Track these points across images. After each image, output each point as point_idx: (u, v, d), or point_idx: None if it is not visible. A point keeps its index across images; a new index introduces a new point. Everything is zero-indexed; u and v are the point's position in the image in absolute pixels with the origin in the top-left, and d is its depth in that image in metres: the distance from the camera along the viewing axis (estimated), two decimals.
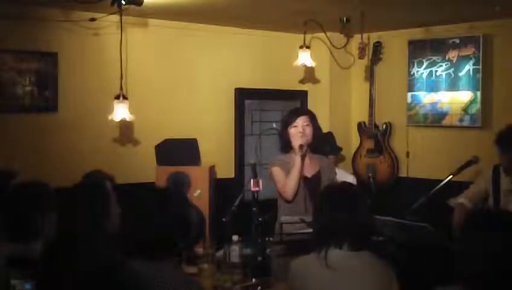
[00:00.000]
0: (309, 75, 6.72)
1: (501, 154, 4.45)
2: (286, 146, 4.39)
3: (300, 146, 4.25)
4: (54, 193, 3.05)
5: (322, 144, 4.78)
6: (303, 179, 4.31)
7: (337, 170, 5.39)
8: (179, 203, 2.80)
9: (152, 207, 2.71)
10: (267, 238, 3.93)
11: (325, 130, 6.01)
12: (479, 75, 5.84)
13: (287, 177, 4.27)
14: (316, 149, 4.43)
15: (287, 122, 4.40)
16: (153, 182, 5.46)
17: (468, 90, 5.92)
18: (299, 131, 4.31)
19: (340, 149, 5.86)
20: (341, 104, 6.83)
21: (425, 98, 6.23)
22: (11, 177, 3.78)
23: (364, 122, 6.52)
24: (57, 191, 3.12)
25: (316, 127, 4.39)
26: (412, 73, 6.32)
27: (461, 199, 4.64)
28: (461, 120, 6.01)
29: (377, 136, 6.45)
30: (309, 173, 4.37)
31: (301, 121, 4.33)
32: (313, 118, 4.41)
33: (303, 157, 4.27)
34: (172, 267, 2.73)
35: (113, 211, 3.35)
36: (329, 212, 2.89)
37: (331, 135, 5.82)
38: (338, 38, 6.23)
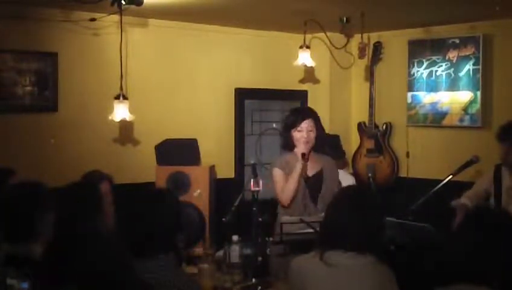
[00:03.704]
0: (309, 75, 6.72)
1: (500, 146, 4.45)
2: (290, 147, 4.34)
3: (303, 154, 4.20)
4: (51, 193, 3.05)
5: (326, 145, 4.77)
6: (304, 178, 4.28)
7: None
8: (172, 204, 2.87)
9: (143, 207, 2.80)
10: (267, 238, 3.93)
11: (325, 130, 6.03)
12: (479, 75, 5.84)
13: (286, 181, 4.24)
14: (318, 149, 4.37)
15: (291, 124, 4.31)
16: (153, 182, 5.46)
17: (468, 90, 5.92)
18: (303, 136, 4.25)
19: (344, 154, 5.84)
20: (341, 104, 6.82)
21: (425, 98, 6.23)
22: (9, 175, 3.78)
23: (364, 122, 6.51)
24: (55, 191, 3.12)
25: (319, 129, 4.33)
26: (412, 73, 6.31)
27: (463, 200, 4.63)
28: (461, 120, 6.00)
29: (377, 136, 6.45)
30: (310, 172, 4.34)
31: (306, 125, 4.26)
32: (317, 121, 4.33)
33: (304, 165, 4.23)
34: (173, 267, 2.75)
35: (108, 211, 3.35)
36: (334, 213, 2.89)
37: (338, 139, 5.79)
38: (338, 38, 6.23)
